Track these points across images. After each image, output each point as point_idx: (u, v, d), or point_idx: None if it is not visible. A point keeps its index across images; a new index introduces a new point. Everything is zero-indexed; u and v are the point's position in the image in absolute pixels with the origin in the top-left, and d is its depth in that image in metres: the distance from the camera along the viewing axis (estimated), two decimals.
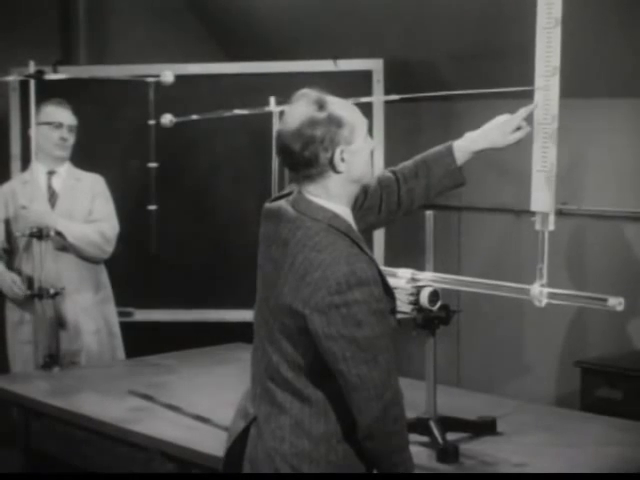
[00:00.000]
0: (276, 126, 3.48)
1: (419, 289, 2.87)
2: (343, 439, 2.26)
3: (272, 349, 2.28)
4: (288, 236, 2.25)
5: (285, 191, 2.42)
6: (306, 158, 2.24)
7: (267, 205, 2.38)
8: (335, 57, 4.98)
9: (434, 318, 2.90)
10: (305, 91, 2.30)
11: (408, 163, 2.63)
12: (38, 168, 4.25)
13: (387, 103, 4.92)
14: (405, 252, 4.12)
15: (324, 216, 2.25)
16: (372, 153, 2.36)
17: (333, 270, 2.16)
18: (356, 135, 2.28)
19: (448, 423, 2.95)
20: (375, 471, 2.32)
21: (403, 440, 2.30)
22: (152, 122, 4.02)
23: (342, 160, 2.25)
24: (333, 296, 2.15)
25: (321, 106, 2.25)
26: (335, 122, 2.24)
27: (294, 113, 2.26)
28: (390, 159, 4.97)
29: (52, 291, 4.05)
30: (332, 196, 2.28)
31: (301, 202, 2.28)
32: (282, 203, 2.33)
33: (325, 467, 2.24)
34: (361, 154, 2.29)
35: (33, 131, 4.11)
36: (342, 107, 2.28)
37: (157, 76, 4.05)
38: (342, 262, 2.17)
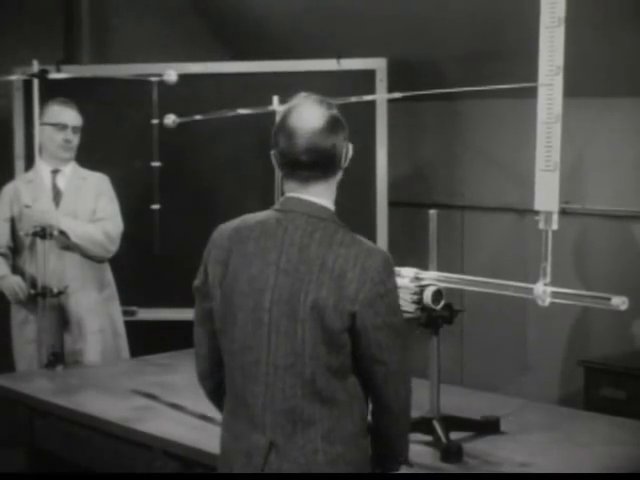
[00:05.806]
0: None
1: (423, 288, 2.88)
2: (364, 436, 2.27)
3: (303, 361, 2.18)
4: (303, 240, 2.21)
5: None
6: (332, 155, 2.24)
7: (245, 223, 2.30)
8: (338, 56, 4.97)
9: (438, 317, 2.91)
10: (304, 94, 2.31)
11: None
12: (42, 167, 4.26)
13: (390, 102, 4.91)
14: (409, 251, 4.11)
15: (329, 214, 2.26)
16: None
17: (370, 262, 2.18)
18: None
19: (452, 422, 2.95)
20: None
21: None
22: (155, 121, 4.03)
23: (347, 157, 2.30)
24: (377, 286, 2.18)
25: (330, 105, 2.27)
26: (343, 120, 2.28)
27: (312, 112, 2.24)
28: (393, 158, 4.98)
29: (56, 290, 4.05)
30: (330, 195, 2.29)
31: (301, 205, 2.25)
32: (270, 214, 2.27)
33: (354, 467, 2.23)
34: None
35: (36, 130, 4.11)
36: None
37: (160, 75, 4.06)
38: (373, 252, 2.21)
